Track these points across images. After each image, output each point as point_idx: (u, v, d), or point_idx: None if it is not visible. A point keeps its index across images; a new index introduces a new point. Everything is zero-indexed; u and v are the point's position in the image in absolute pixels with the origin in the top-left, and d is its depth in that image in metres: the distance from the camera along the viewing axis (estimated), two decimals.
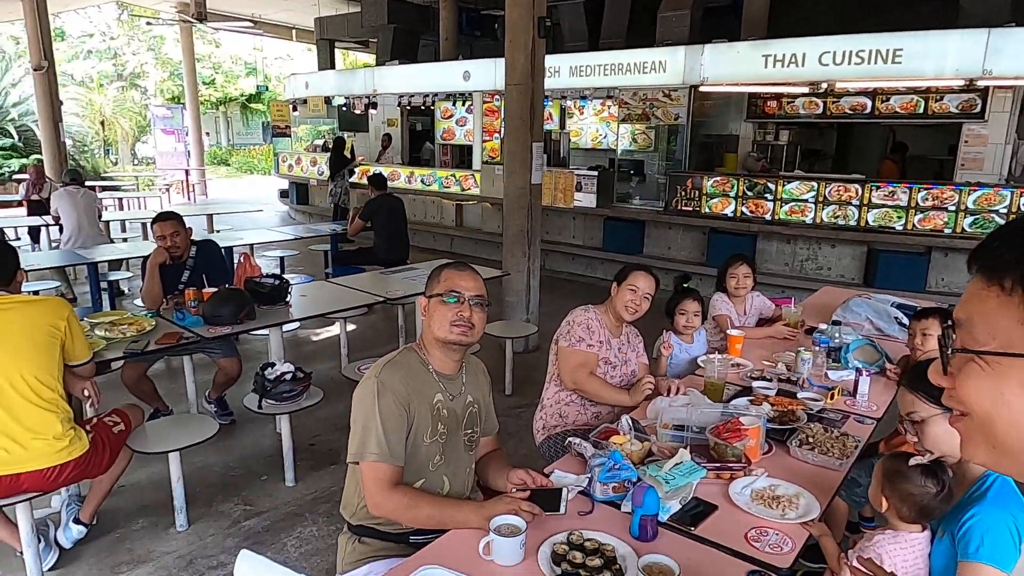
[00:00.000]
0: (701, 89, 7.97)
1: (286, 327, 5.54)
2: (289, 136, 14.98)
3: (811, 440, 2.23)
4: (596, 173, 8.48)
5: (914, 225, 6.48)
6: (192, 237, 4.07)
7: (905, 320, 3.52)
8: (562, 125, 10.71)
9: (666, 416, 2.34)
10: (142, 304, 3.94)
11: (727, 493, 1.96)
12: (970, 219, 6.27)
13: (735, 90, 8.15)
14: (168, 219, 3.88)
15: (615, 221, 8.29)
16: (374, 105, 11.87)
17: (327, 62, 13.78)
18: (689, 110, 8.17)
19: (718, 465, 2.04)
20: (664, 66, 7.90)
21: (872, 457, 2.78)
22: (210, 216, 8.99)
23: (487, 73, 9.50)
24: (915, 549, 1.52)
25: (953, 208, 6.30)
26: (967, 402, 0.58)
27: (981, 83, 6.43)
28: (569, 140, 10.13)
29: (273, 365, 3.42)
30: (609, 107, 10.15)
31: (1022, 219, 0.54)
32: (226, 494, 3.41)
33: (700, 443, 2.18)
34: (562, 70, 8.84)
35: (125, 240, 8.88)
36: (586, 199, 8.43)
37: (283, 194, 14.34)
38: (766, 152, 8.96)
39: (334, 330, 5.98)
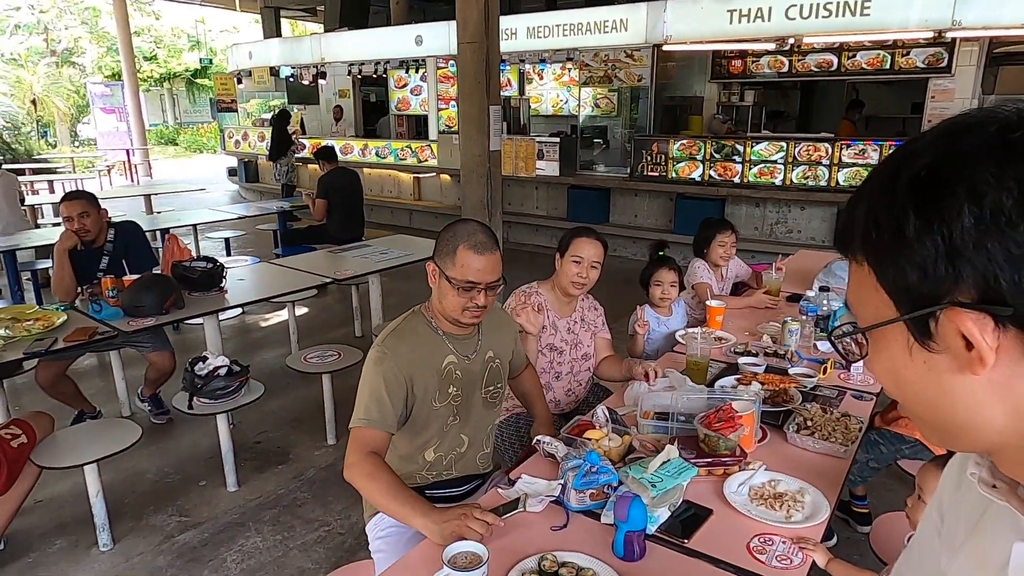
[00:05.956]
0: (664, 48, 7.64)
1: (228, 314, 5.14)
2: (235, 111, 14.19)
3: (810, 424, 1.97)
4: (558, 140, 8.14)
5: None
6: (112, 219, 3.65)
7: None
8: (521, 91, 10.27)
9: (647, 403, 2.06)
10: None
11: (721, 492, 1.69)
12: None
13: (699, 48, 7.84)
14: (75, 198, 3.43)
15: (579, 189, 7.98)
16: (323, 75, 11.24)
17: (273, 32, 13.05)
18: (653, 71, 7.85)
19: (709, 460, 1.76)
20: (625, 24, 7.54)
21: (870, 431, 2.55)
22: (147, 197, 8.36)
23: (440, 37, 9.02)
24: None
25: None
26: (882, 384, 0.56)
27: (950, 35, 6.23)
28: (529, 107, 9.75)
29: (205, 359, 3.04)
30: (569, 70, 9.76)
31: (857, 191, 0.53)
32: (159, 504, 3.04)
33: (687, 433, 1.90)
34: (519, 32, 8.41)
35: (57, 226, 8.22)
36: (548, 167, 8.09)
37: (231, 172, 13.66)
38: (731, 114, 8.70)
39: (283, 315, 5.59)
